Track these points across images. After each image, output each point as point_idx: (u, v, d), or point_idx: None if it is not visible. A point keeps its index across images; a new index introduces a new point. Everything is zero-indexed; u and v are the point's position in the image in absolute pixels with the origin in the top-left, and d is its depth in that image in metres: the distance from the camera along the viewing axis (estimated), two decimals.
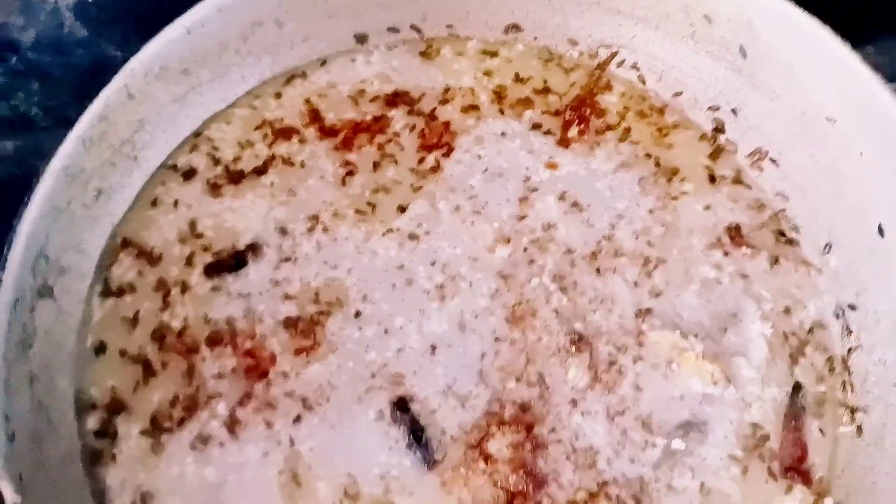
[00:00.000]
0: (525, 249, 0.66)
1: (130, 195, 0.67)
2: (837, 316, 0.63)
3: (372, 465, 0.57)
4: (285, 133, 0.72)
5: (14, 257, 0.56)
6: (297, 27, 0.72)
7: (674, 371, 0.60)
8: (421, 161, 0.70)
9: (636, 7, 0.72)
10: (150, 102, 0.66)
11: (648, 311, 0.63)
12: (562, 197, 0.68)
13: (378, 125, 0.71)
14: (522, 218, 0.67)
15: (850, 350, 0.62)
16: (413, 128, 0.71)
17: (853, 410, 0.60)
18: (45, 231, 0.59)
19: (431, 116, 0.72)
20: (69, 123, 0.84)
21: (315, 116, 0.73)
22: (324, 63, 0.75)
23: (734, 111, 0.71)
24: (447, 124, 0.71)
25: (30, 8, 0.78)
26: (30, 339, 0.57)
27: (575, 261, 0.65)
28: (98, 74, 0.79)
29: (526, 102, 0.73)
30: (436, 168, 0.69)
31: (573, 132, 0.71)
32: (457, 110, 0.72)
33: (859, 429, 0.59)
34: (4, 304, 0.55)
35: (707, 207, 0.68)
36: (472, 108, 0.73)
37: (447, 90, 0.74)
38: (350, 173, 0.69)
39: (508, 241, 0.66)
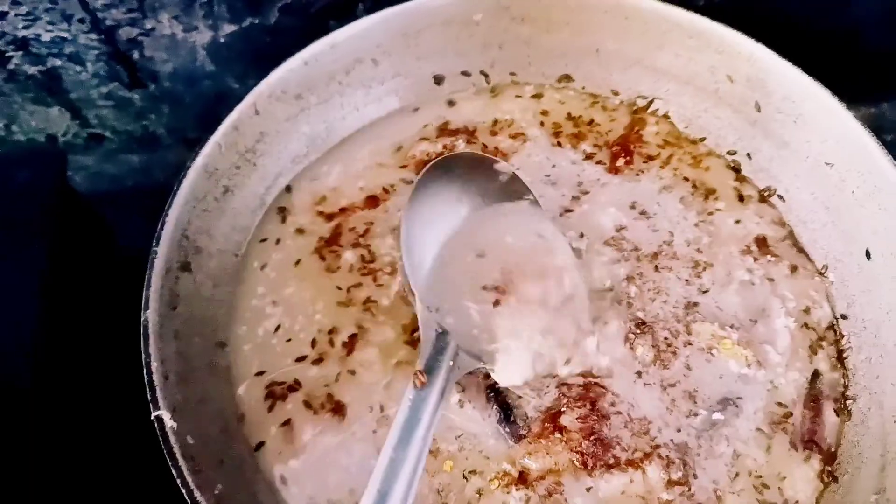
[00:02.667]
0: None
1: (249, 193, 0.80)
2: (832, 324, 0.76)
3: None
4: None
5: (165, 235, 0.69)
6: (389, 66, 0.87)
7: (714, 356, 0.72)
8: None
9: (671, 66, 0.87)
10: (270, 119, 0.80)
11: (695, 304, 0.75)
12: (632, 206, 0.81)
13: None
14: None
15: (842, 351, 0.74)
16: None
17: (846, 399, 0.72)
18: (188, 216, 0.72)
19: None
20: (190, 143, 0.99)
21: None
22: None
23: (749, 155, 0.85)
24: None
25: (174, 44, 0.91)
26: (175, 302, 0.68)
27: (640, 258, 0.78)
28: (220, 103, 0.95)
29: (579, 136, 0.87)
30: None
31: (620, 162, 0.84)
32: (506, 137, 0.87)
33: (849, 413, 0.71)
34: (158, 271, 0.67)
35: (738, 221, 0.81)
36: (519, 135, 0.87)
37: (495, 122, 0.89)
38: None
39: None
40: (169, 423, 0.60)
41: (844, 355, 0.74)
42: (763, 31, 0.80)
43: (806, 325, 0.75)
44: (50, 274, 0.67)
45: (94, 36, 0.87)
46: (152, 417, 0.60)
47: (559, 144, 0.86)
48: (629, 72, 0.89)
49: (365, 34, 0.83)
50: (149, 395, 0.61)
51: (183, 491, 0.57)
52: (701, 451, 0.67)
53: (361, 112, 0.88)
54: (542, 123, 0.89)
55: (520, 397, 0.69)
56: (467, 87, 0.92)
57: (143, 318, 0.64)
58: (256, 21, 0.90)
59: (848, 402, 0.71)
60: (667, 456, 0.66)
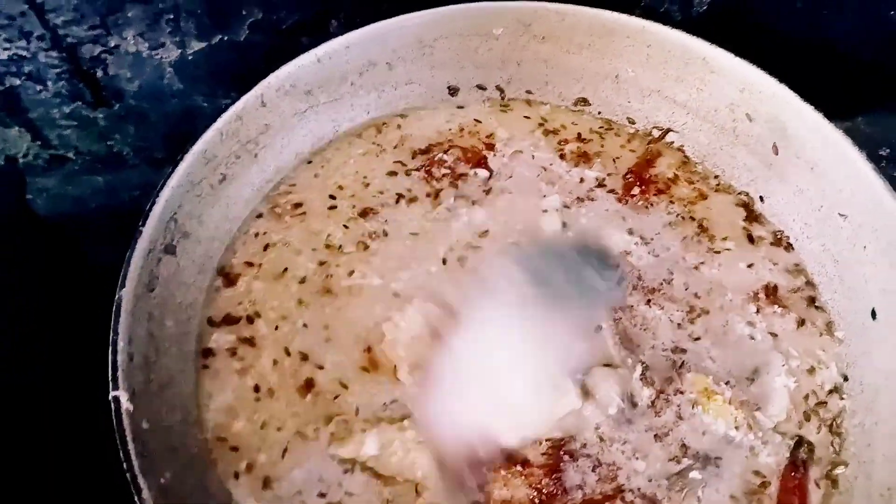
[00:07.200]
0: None
1: (245, 183, 0.80)
2: (837, 387, 0.71)
3: None
4: None
5: (154, 214, 0.68)
6: (403, 72, 0.86)
7: (700, 411, 0.68)
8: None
9: (690, 99, 0.84)
10: (276, 112, 0.79)
11: (683, 350, 0.72)
12: (632, 233, 0.79)
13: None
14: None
15: (840, 412, 0.70)
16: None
17: (834, 465, 0.68)
18: (179, 199, 0.71)
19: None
20: (156, 163, 0.95)
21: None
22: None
23: (761, 198, 0.82)
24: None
25: (139, 62, 0.88)
26: (153, 284, 0.68)
27: (638, 286, 0.75)
28: (188, 121, 0.92)
29: (586, 157, 0.85)
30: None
31: (636, 191, 0.82)
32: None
33: (835, 482, 0.67)
34: (141, 250, 0.67)
35: (750, 265, 0.77)
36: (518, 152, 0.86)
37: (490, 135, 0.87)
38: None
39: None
40: (125, 404, 0.59)
41: (839, 420, 0.70)
42: (740, 44, 0.78)
43: (807, 388, 0.71)
44: (9, 298, 0.67)
45: (54, 54, 0.84)
46: (110, 398, 0.59)
47: (562, 157, 0.85)
48: (647, 101, 0.87)
49: (380, 38, 0.82)
50: (110, 375, 0.60)
51: (127, 475, 0.56)
52: None
53: (371, 115, 0.88)
54: (546, 133, 0.88)
55: None
56: (481, 100, 0.90)
57: (117, 297, 0.64)
58: (225, 38, 0.88)
59: (837, 469, 0.67)
60: (631, 501, 0.63)
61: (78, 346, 0.70)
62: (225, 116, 0.75)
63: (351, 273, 0.75)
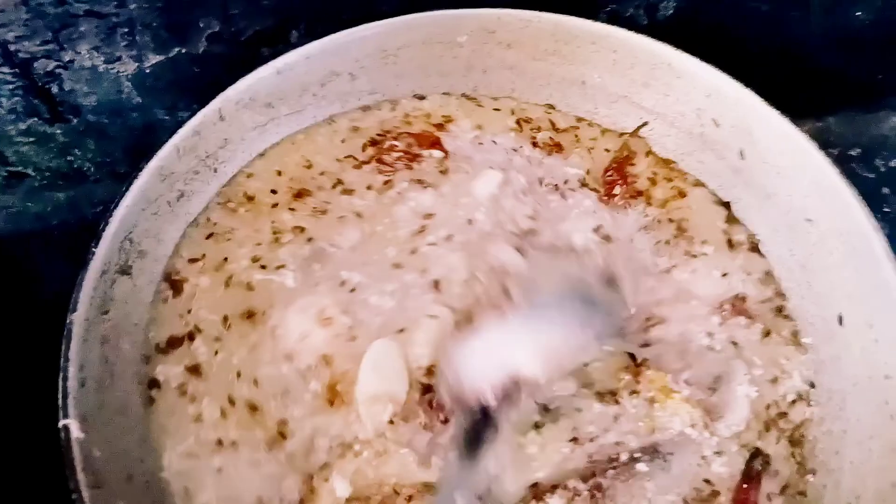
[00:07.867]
0: None
1: (205, 200, 0.78)
2: (800, 397, 0.70)
3: None
4: None
5: (107, 234, 0.67)
6: (366, 81, 0.84)
7: (657, 408, 0.67)
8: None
9: (657, 105, 0.83)
10: (236, 126, 0.78)
11: (642, 359, 0.69)
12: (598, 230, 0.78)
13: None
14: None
15: (804, 421, 0.70)
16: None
17: (802, 474, 0.67)
18: (135, 218, 0.70)
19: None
20: (119, 177, 0.94)
21: None
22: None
23: (729, 204, 0.81)
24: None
25: (96, 76, 0.86)
26: (107, 307, 0.66)
27: None
28: (149, 135, 0.91)
29: (559, 147, 0.84)
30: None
31: (617, 190, 0.80)
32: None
33: (802, 491, 0.66)
34: (94, 272, 0.65)
35: (724, 275, 0.75)
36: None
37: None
38: None
39: None
40: (75, 433, 0.58)
41: (802, 430, 0.69)
42: (709, 48, 0.77)
43: (768, 398, 0.69)
44: None
45: (7, 69, 0.82)
46: (59, 426, 0.58)
47: (535, 145, 0.84)
48: (615, 107, 0.86)
49: (342, 48, 0.80)
50: (60, 402, 0.58)
51: None
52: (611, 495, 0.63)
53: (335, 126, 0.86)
54: (518, 123, 0.87)
55: None
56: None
57: (67, 321, 0.62)
58: (184, 50, 0.86)
59: (806, 477, 0.67)
60: (574, 487, 0.62)
61: (35, 366, 0.68)
62: (182, 132, 0.73)
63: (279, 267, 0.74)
